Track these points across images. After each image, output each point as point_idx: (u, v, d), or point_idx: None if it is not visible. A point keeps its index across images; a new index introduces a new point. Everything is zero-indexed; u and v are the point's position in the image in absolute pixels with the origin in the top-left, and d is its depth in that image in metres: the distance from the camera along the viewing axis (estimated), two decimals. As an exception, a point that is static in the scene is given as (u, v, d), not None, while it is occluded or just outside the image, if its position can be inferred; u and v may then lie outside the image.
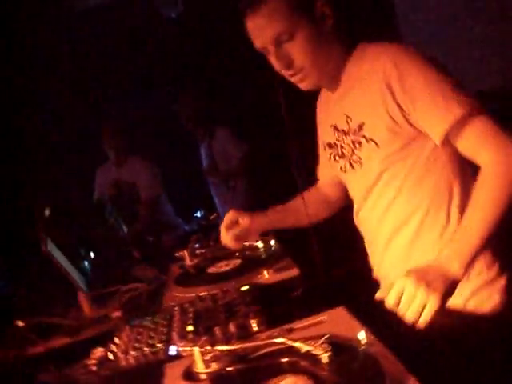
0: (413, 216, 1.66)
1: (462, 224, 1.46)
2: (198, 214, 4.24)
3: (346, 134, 1.74)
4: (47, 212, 3.19)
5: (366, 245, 1.90)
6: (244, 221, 2.05)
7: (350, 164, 1.76)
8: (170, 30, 5.31)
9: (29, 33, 4.90)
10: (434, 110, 1.51)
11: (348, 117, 1.71)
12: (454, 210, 1.62)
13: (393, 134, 1.59)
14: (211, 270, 2.28)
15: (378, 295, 1.41)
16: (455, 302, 1.52)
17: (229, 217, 2.07)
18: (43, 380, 1.76)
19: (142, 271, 2.72)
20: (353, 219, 1.90)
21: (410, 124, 1.57)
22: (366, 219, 1.83)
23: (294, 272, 2.01)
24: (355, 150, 1.71)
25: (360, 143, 1.68)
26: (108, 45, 5.22)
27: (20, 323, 2.38)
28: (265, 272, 2.03)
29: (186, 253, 2.40)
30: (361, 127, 1.66)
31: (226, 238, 2.08)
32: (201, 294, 1.92)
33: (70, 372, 1.72)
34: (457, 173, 1.63)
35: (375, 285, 1.85)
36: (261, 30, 1.62)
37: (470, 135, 1.50)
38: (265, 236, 2.27)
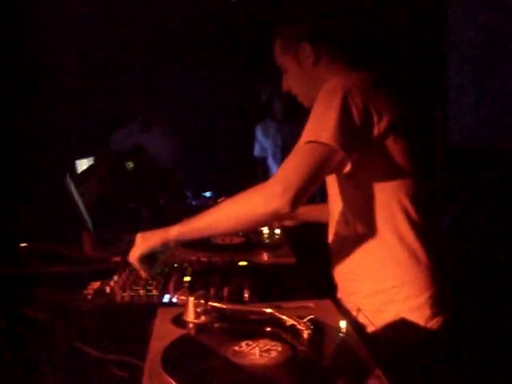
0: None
1: (206, 214, 1.77)
2: (207, 194, 4.36)
3: None
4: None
5: None
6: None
7: None
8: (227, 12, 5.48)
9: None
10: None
11: None
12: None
13: None
14: (215, 240, 2.40)
15: None
16: (385, 318, 1.80)
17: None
18: (37, 297, 1.87)
19: (148, 228, 2.82)
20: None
21: None
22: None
23: (291, 260, 2.13)
24: None
25: None
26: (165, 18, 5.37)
27: (22, 244, 2.49)
28: (264, 254, 2.14)
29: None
30: None
31: None
32: (201, 258, 2.04)
33: (65, 296, 1.84)
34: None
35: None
36: None
37: (292, 153, 1.67)
38: None
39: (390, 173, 1.76)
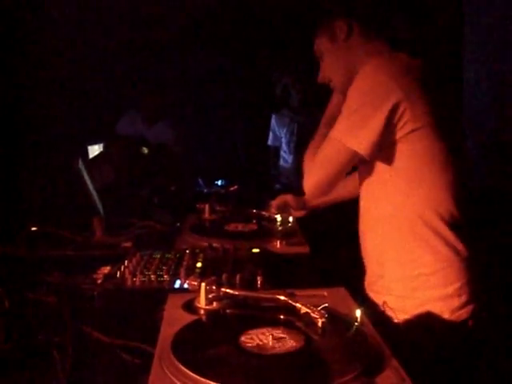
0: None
1: None
2: (219, 183, 4.34)
3: None
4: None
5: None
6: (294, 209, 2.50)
7: None
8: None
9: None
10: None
11: None
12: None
13: None
14: (227, 227, 2.37)
15: None
16: (410, 304, 1.78)
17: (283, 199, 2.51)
18: (46, 280, 1.84)
19: (159, 215, 2.81)
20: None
21: None
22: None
23: (304, 249, 2.10)
24: None
25: None
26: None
27: (33, 228, 2.47)
28: (277, 242, 2.11)
29: (206, 206, 2.48)
30: None
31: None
32: (213, 245, 2.01)
33: (75, 280, 1.81)
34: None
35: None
36: None
37: (323, 145, 1.82)
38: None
39: (426, 165, 1.76)
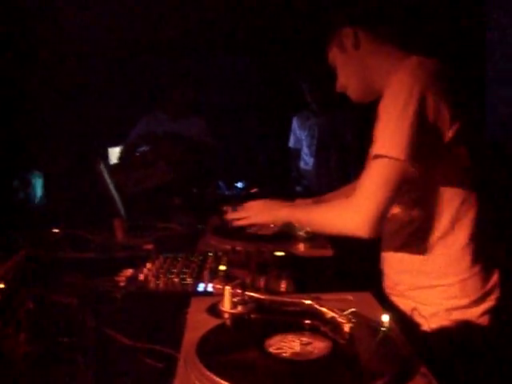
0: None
1: (311, 208, 2.05)
2: (239, 185, 4.34)
3: None
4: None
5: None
6: None
7: None
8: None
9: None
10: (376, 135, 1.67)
11: None
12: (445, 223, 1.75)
13: None
14: (250, 230, 2.34)
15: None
16: (426, 311, 1.78)
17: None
18: (68, 281, 1.84)
19: (180, 216, 2.80)
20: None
21: None
22: None
23: (328, 252, 2.07)
24: None
25: None
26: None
27: (55, 230, 2.47)
28: (301, 245, 2.09)
29: (229, 208, 2.46)
30: None
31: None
32: (236, 248, 1.99)
33: (97, 282, 1.80)
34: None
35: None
36: None
37: (368, 169, 1.66)
38: None
39: (459, 174, 1.73)
